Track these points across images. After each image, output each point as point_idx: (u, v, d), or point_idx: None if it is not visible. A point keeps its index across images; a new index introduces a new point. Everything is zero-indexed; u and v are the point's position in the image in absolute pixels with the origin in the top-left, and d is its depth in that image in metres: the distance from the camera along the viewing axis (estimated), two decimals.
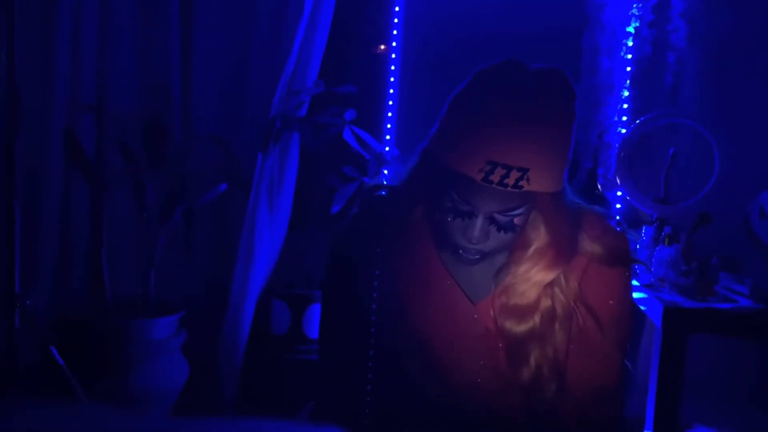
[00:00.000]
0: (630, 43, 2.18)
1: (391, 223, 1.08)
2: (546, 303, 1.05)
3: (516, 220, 1.00)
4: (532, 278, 1.04)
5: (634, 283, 2.00)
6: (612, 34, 2.19)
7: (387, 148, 2.23)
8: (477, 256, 1.02)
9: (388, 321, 1.08)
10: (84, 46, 2.08)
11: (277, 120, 2.03)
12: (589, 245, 1.06)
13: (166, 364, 1.90)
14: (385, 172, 2.13)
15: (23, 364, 1.68)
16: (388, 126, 2.31)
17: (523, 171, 0.94)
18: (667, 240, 1.97)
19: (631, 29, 2.18)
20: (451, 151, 0.98)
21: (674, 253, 1.94)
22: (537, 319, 1.05)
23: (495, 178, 0.94)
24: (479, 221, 0.99)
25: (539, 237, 1.04)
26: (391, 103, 2.32)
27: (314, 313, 2.13)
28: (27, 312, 1.60)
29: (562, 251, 1.04)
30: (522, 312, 1.05)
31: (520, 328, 1.05)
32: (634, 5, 2.17)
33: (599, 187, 2.16)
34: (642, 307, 1.91)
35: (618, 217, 2.19)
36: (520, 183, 0.95)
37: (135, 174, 1.93)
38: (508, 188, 0.95)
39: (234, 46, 2.25)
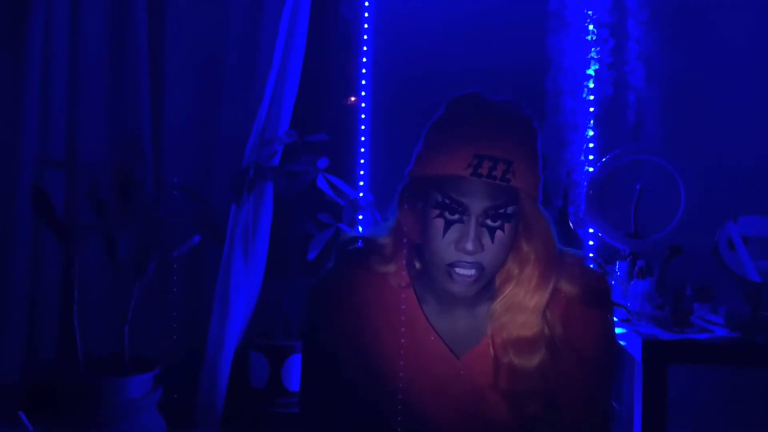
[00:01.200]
0: (591, 85, 2.26)
1: (370, 276, 1.06)
2: (546, 331, 1.03)
3: (506, 227, 0.99)
4: (528, 304, 1.02)
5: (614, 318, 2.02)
6: (574, 77, 2.27)
7: (361, 194, 2.24)
8: (473, 271, 0.98)
9: (368, 378, 1.05)
10: (53, 99, 2.07)
11: (250, 169, 2.04)
12: (568, 286, 1.05)
13: (141, 422, 1.83)
14: (360, 217, 2.14)
15: None
16: (361, 172, 2.33)
17: (508, 163, 0.97)
18: (640, 274, 2.00)
19: (591, 71, 2.26)
20: (438, 156, 1.00)
21: (648, 286, 1.97)
22: (544, 349, 1.02)
23: (483, 170, 0.96)
24: (472, 224, 0.98)
25: (525, 256, 1.03)
26: (363, 150, 2.35)
27: (294, 365, 2.09)
28: None
29: (549, 268, 1.03)
30: (531, 344, 1.02)
31: (533, 360, 1.02)
32: (593, 49, 2.27)
33: (571, 224, 2.20)
34: (621, 342, 1.92)
35: (591, 255, 2.22)
36: (507, 176, 0.97)
37: (106, 227, 1.90)
38: (497, 180, 0.97)
39: (205, 96, 2.26)
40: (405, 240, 1.05)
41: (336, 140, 2.23)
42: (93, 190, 1.88)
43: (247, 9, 2.22)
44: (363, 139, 2.36)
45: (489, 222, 0.99)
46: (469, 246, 0.97)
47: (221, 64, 2.26)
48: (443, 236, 0.98)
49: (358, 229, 2.12)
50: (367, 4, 2.35)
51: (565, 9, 2.26)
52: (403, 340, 1.04)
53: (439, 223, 0.99)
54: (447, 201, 0.98)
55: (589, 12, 2.25)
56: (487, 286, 1.04)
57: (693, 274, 1.99)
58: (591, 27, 2.26)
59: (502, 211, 0.99)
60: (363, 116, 2.37)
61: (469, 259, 0.98)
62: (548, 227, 1.03)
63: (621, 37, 2.26)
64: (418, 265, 1.06)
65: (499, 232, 0.99)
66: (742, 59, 2.21)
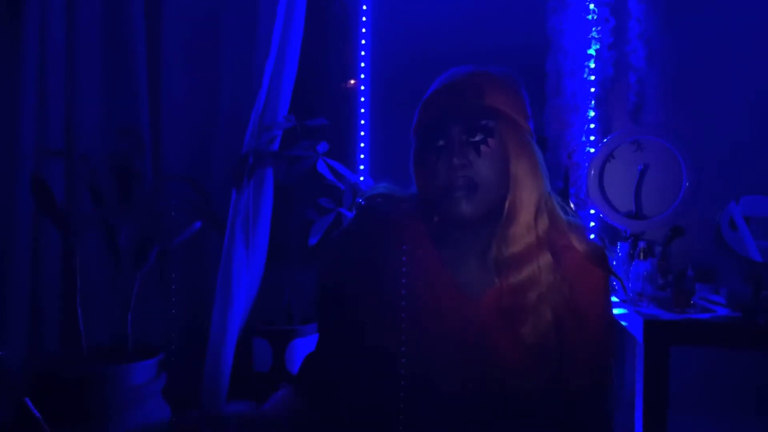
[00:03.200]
0: (592, 65, 2.24)
1: (391, 227, 1.12)
2: (543, 259, 1.09)
3: (490, 142, 1.07)
4: (520, 219, 1.09)
5: (613, 299, 2.03)
6: (574, 57, 2.24)
7: (362, 178, 2.23)
8: (464, 192, 1.05)
9: (385, 322, 1.09)
10: (50, 91, 2.06)
11: (250, 156, 2.03)
12: (568, 243, 1.11)
13: (146, 409, 1.84)
14: (361, 202, 2.13)
15: None
16: (362, 156, 2.32)
17: (478, 85, 1.07)
18: (642, 254, 2.00)
19: (592, 51, 2.24)
20: (429, 102, 1.10)
21: (650, 267, 1.97)
22: (536, 267, 1.08)
23: (454, 89, 1.07)
24: (455, 142, 1.06)
25: (514, 179, 1.09)
26: (363, 133, 2.34)
27: (296, 349, 2.10)
28: (0, 365, 1.55)
29: (535, 186, 1.09)
30: (519, 258, 1.09)
31: (522, 273, 1.08)
32: (593, 28, 2.24)
33: (572, 206, 2.19)
34: (623, 323, 1.93)
35: (593, 225, 2.22)
36: (480, 94, 1.06)
37: (106, 217, 1.90)
38: (470, 99, 1.06)
39: (203, 84, 2.25)
40: (419, 194, 1.12)
41: (336, 124, 2.21)
42: (92, 180, 1.87)
43: None
44: (363, 122, 2.35)
45: (469, 138, 1.07)
46: (455, 160, 1.05)
47: (219, 51, 2.24)
48: (437, 161, 1.07)
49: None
50: None
51: None
52: (420, 287, 1.10)
53: (432, 156, 1.08)
54: (426, 126, 1.08)
55: None
56: (491, 220, 1.09)
57: (695, 255, 1.99)
58: (592, 6, 2.23)
59: (482, 123, 1.07)
60: (362, 99, 2.35)
61: (461, 178, 1.06)
62: (535, 152, 1.10)
63: (622, 17, 2.23)
64: (436, 218, 1.11)
65: (483, 147, 1.07)
66: (744, 39, 2.19)
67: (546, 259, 1.09)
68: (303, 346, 2.11)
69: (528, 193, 1.08)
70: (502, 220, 1.08)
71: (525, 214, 1.09)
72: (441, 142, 1.07)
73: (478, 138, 1.06)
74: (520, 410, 1.07)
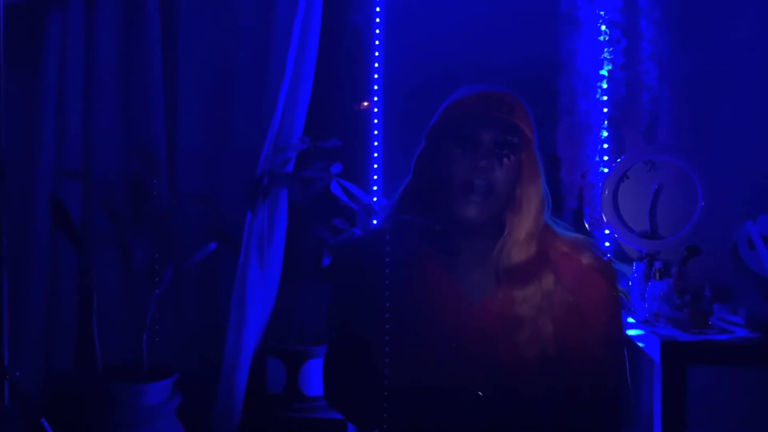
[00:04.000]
0: (604, 86, 2.25)
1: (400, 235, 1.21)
2: (544, 271, 1.17)
3: (511, 157, 1.18)
4: (520, 233, 1.18)
5: (630, 320, 2.01)
6: (586, 77, 2.25)
7: (375, 199, 2.24)
8: (482, 195, 1.16)
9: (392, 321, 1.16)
10: (69, 112, 2.10)
11: (265, 177, 2.05)
12: (576, 255, 1.20)
13: (160, 429, 1.84)
14: (375, 222, 2.14)
15: None
16: (375, 177, 2.33)
17: (511, 105, 1.20)
18: (658, 275, 1.98)
19: (604, 72, 2.25)
20: (456, 107, 1.21)
21: (666, 287, 1.95)
22: (537, 279, 1.17)
23: (493, 106, 1.19)
24: (485, 149, 1.18)
25: (520, 191, 1.21)
26: (376, 155, 2.35)
27: (310, 370, 2.10)
28: (16, 384, 1.56)
29: (535, 197, 1.20)
30: (524, 270, 1.17)
31: (521, 285, 1.16)
32: (605, 49, 2.25)
33: (587, 226, 2.19)
34: (640, 344, 1.90)
35: (609, 255, 2.20)
36: (511, 113, 1.19)
37: (122, 237, 1.92)
38: (503, 114, 1.18)
39: (218, 106, 2.28)
40: (420, 200, 1.23)
41: (349, 146, 2.23)
42: (109, 200, 1.90)
43: (258, 18, 2.23)
44: (376, 144, 2.36)
45: (497, 149, 1.19)
46: (483, 163, 1.17)
47: (234, 74, 2.27)
48: (461, 162, 1.18)
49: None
50: (378, 9, 2.36)
51: (578, 10, 2.25)
52: (422, 290, 1.19)
53: (457, 152, 1.19)
54: (464, 131, 1.19)
55: (601, 12, 2.23)
56: (494, 229, 1.19)
57: (712, 275, 1.97)
58: (603, 27, 2.25)
59: (508, 138, 1.19)
60: (375, 121, 2.37)
61: (481, 180, 1.17)
62: (539, 167, 1.22)
63: (634, 37, 2.24)
64: (438, 226, 1.22)
65: (505, 160, 1.19)
66: (756, 57, 2.19)
67: (546, 271, 1.17)
68: (317, 367, 2.11)
69: (533, 207, 1.19)
70: (507, 230, 1.18)
71: (528, 227, 1.18)
72: (471, 145, 1.18)
73: (503, 151, 1.18)
74: (523, 417, 1.10)
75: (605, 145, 2.25)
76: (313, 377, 2.10)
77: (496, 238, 1.20)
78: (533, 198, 1.19)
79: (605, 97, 2.25)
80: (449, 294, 1.17)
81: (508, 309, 1.14)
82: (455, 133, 1.20)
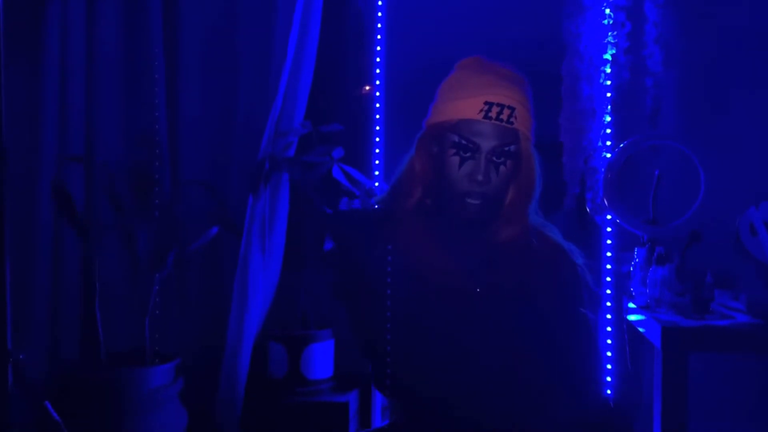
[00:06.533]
0: (608, 70, 2.23)
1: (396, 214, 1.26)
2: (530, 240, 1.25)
3: (508, 164, 1.20)
4: (512, 217, 1.24)
5: (631, 305, 2.01)
6: (590, 62, 2.23)
7: (377, 183, 2.24)
8: (479, 202, 1.19)
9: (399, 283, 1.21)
10: (71, 98, 2.09)
11: (266, 161, 2.04)
12: (549, 251, 1.25)
13: (164, 413, 1.86)
14: (376, 206, 2.14)
15: (16, 423, 1.63)
16: (377, 162, 2.33)
17: (512, 109, 1.19)
18: (659, 260, 1.98)
19: (608, 56, 2.23)
20: (453, 105, 1.21)
21: (668, 272, 1.95)
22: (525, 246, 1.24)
23: (493, 114, 1.18)
24: (483, 160, 1.19)
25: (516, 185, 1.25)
26: (378, 139, 2.34)
27: (312, 354, 2.11)
28: (20, 368, 1.57)
29: (530, 189, 1.25)
30: (511, 247, 1.23)
31: (512, 250, 1.23)
32: (609, 33, 2.23)
33: (588, 211, 2.18)
34: (641, 329, 1.91)
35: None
36: (512, 119, 1.19)
37: (125, 223, 1.93)
38: (504, 123, 1.19)
39: (220, 91, 2.27)
40: (418, 180, 1.25)
41: (351, 130, 2.22)
42: (111, 186, 1.90)
43: (260, 1, 2.22)
44: (378, 128, 2.35)
45: (495, 159, 1.20)
46: (480, 177, 1.18)
47: (235, 58, 2.27)
48: (458, 170, 1.19)
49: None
50: None
51: None
52: (423, 269, 1.23)
53: (455, 160, 1.19)
54: (462, 141, 1.19)
55: None
56: (491, 211, 1.23)
57: (713, 261, 1.97)
58: (608, 11, 2.23)
59: (507, 149, 1.20)
60: (377, 105, 2.36)
61: (477, 189, 1.19)
62: (534, 163, 1.25)
63: (638, 21, 2.22)
64: (429, 201, 1.25)
65: (502, 168, 1.20)
66: (761, 42, 2.17)
67: (530, 241, 1.24)
68: (319, 351, 2.12)
69: (525, 200, 1.23)
70: (502, 217, 1.23)
71: (519, 216, 1.24)
72: (468, 154, 1.19)
73: (501, 160, 1.20)
74: (523, 371, 1.18)
75: (608, 130, 2.24)
76: (315, 361, 2.12)
77: (493, 220, 1.25)
78: (526, 190, 1.23)
79: (609, 82, 2.23)
80: (443, 269, 1.22)
81: (500, 275, 1.21)
82: (454, 140, 1.21)
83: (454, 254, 1.23)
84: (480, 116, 1.18)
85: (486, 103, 1.18)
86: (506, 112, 1.18)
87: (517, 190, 1.23)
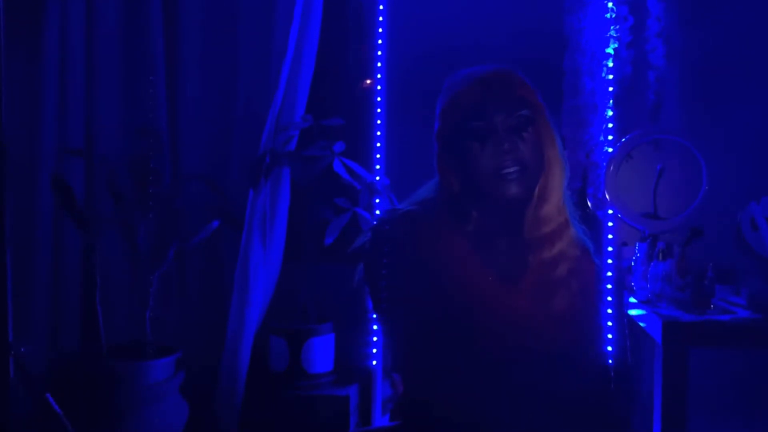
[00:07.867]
0: (610, 64, 2.22)
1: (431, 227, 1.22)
2: (570, 234, 1.21)
3: (529, 129, 1.18)
4: (551, 198, 1.20)
5: (632, 300, 2.01)
6: (592, 56, 2.22)
7: (378, 178, 2.24)
8: (516, 168, 1.16)
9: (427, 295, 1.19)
10: (71, 92, 2.09)
11: (267, 156, 2.04)
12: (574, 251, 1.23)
13: (165, 406, 1.87)
14: (377, 201, 2.14)
15: (18, 415, 1.64)
16: (378, 156, 2.32)
17: (506, 72, 1.19)
18: (660, 255, 1.98)
19: (610, 50, 2.22)
20: (455, 101, 1.20)
21: (669, 267, 1.95)
22: (565, 243, 1.21)
23: (488, 82, 1.18)
24: (500, 132, 1.17)
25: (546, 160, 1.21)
26: (379, 133, 2.33)
27: (313, 348, 2.11)
28: (21, 360, 1.57)
29: (558, 164, 1.21)
30: (549, 238, 1.20)
31: (553, 251, 1.20)
32: (612, 27, 2.22)
33: (589, 205, 2.18)
34: (641, 324, 1.91)
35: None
36: (507, 84, 1.18)
37: (125, 216, 1.93)
38: (501, 88, 1.18)
39: (220, 84, 2.27)
40: (450, 173, 1.22)
41: (352, 124, 2.22)
42: (112, 180, 1.90)
43: None
44: (379, 122, 2.34)
45: (513, 126, 1.18)
46: (505, 145, 1.17)
47: (236, 51, 2.26)
48: (483, 151, 1.17)
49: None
50: None
51: None
52: (456, 272, 1.20)
53: (476, 145, 1.18)
54: (474, 124, 1.18)
55: None
56: (529, 180, 1.19)
57: (714, 256, 1.96)
58: (610, 5, 2.21)
59: (520, 113, 1.18)
60: (379, 99, 2.35)
61: (510, 158, 1.17)
62: (554, 132, 1.22)
63: (641, 15, 2.21)
64: (475, 213, 1.22)
65: (525, 134, 1.18)
66: (764, 36, 2.16)
67: (572, 234, 1.20)
68: (319, 345, 2.12)
69: (558, 176, 1.19)
70: (534, 201, 1.18)
71: (556, 195, 1.19)
72: (485, 133, 1.17)
73: (520, 126, 1.18)
74: (557, 375, 1.16)
75: (610, 125, 2.23)
76: (315, 355, 2.12)
77: (524, 210, 1.21)
78: (557, 166, 1.20)
79: (611, 76, 2.22)
80: (478, 272, 1.20)
81: (539, 277, 1.18)
82: (466, 129, 1.19)
83: (494, 257, 1.21)
84: (470, 91, 1.18)
85: (479, 79, 1.19)
86: (499, 82, 1.19)
87: (547, 162, 1.19)
